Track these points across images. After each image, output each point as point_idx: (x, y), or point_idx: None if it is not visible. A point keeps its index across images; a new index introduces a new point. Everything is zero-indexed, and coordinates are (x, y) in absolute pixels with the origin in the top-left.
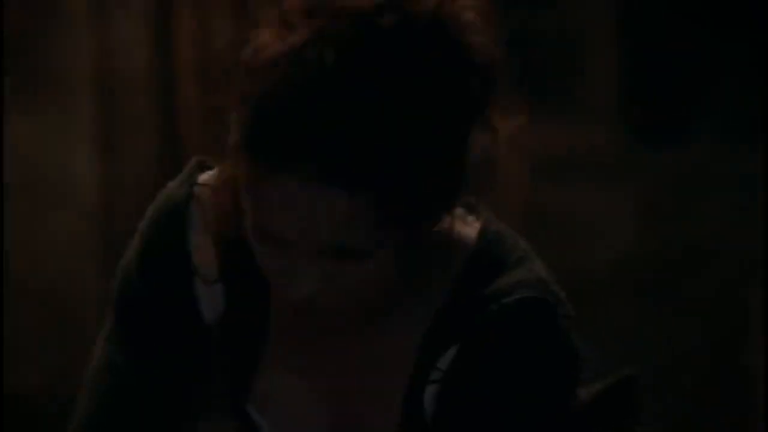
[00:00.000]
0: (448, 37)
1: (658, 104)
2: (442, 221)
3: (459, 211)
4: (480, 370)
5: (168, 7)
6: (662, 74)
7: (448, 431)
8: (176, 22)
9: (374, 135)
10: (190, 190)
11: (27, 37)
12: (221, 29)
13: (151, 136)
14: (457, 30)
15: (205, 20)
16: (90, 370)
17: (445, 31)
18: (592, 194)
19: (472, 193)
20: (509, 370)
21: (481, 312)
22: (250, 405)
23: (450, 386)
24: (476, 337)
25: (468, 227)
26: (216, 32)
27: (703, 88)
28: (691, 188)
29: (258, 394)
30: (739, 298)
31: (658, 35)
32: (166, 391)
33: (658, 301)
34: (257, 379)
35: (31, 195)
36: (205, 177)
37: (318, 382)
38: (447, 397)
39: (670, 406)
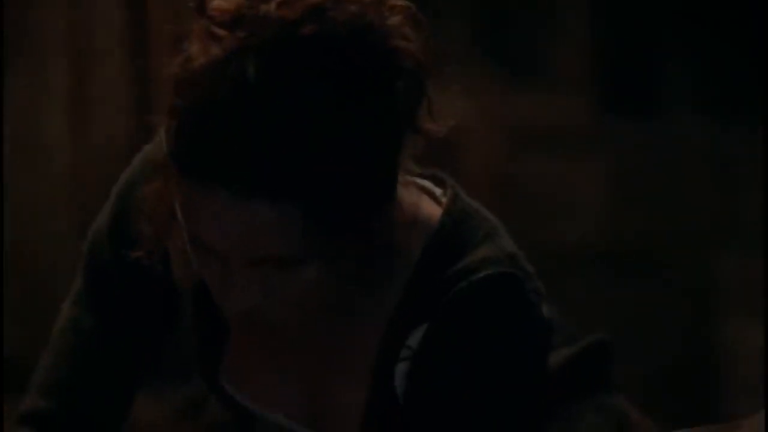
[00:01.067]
0: (371, 43)
1: (631, 76)
2: (380, 222)
3: (426, 185)
4: (450, 347)
5: None
6: (635, 45)
7: (420, 409)
8: None
9: (297, 145)
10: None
11: None
12: None
13: (124, 99)
14: (380, 36)
15: None
16: (55, 331)
17: (367, 37)
18: (563, 166)
19: (440, 164)
20: (480, 346)
21: (449, 289)
22: (223, 376)
23: (421, 364)
24: (445, 314)
25: (434, 203)
26: None
27: (676, 58)
28: (664, 161)
29: (230, 368)
30: (711, 273)
31: (631, 4)
32: (132, 354)
33: (628, 274)
34: (228, 352)
35: (3, 157)
36: None
37: (288, 360)
38: (418, 375)
39: (639, 380)
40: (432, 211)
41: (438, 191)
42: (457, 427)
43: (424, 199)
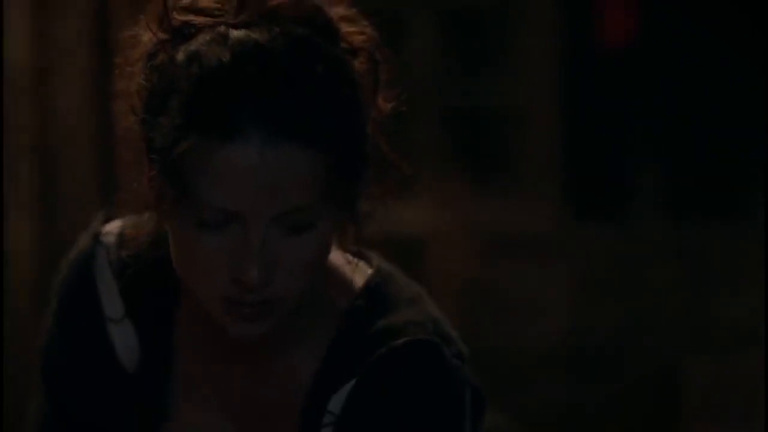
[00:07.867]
0: (327, 21)
1: (599, 181)
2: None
3: (349, 257)
4: (371, 413)
5: (108, 71)
6: (603, 150)
7: None
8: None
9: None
10: (97, 241)
11: None
12: None
13: (91, 203)
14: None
15: None
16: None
17: (329, 24)
18: (532, 270)
19: (409, 267)
20: (399, 411)
21: (370, 354)
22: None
23: (343, 430)
24: (366, 379)
25: (359, 270)
26: None
27: (643, 163)
28: (631, 264)
29: (174, 425)
30: (674, 376)
31: (598, 114)
32: None
33: (596, 376)
34: (171, 417)
35: None
36: (110, 226)
37: (226, 424)
38: None
39: None
40: (358, 275)
41: (362, 263)
42: None
43: (350, 265)
